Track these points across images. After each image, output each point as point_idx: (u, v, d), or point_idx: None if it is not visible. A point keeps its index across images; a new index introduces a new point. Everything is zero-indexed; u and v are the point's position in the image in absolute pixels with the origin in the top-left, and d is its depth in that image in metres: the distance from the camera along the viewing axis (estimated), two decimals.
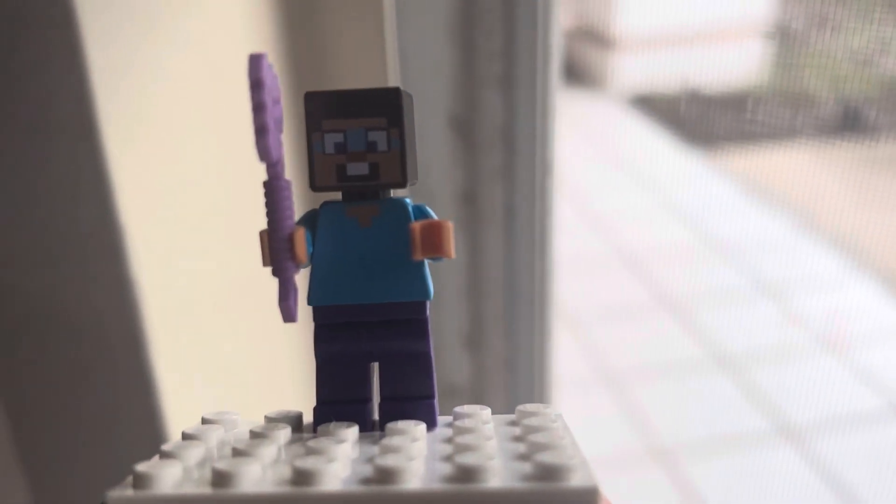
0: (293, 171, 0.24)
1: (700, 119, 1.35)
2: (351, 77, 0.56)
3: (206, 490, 0.20)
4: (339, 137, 0.24)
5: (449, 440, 0.24)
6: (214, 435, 0.23)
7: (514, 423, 0.25)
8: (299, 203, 0.24)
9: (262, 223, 0.23)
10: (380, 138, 0.24)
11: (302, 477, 0.20)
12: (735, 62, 1.09)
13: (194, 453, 0.22)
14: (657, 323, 1.30)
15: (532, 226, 0.65)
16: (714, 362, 1.18)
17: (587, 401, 1.12)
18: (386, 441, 0.22)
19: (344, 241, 0.25)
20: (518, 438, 0.24)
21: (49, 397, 0.48)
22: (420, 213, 0.25)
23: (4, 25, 0.39)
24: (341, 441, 0.22)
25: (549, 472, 0.20)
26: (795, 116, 0.99)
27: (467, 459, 0.20)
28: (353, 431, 0.24)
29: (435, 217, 0.25)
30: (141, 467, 0.20)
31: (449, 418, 0.26)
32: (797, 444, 1.02)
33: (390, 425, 0.24)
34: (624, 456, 1.03)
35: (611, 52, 1.49)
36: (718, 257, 1.41)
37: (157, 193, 0.46)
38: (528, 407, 0.25)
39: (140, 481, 0.20)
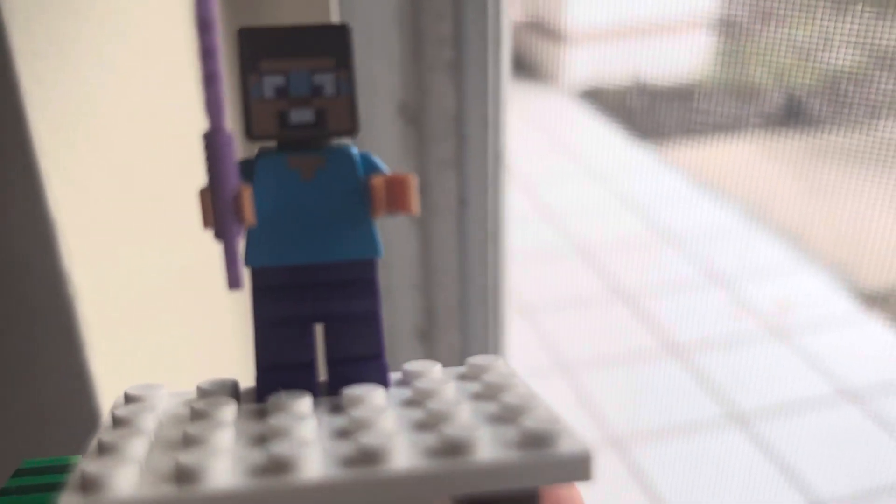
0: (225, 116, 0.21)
1: (649, 111, 1.37)
2: None
3: (172, 489, 0.18)
4: (279, 80, 0.22)
5: (415, 404, 0.22)
6: (150, 417, 0.21)
7: (468, 378, 0.24)
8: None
9: (194, 202, 0.21)
10: (327, 81, 0.22)
11: (278, 465, 0.18)
12: (682, 55, 1.11)
13: (137, 443, 0.20)
14: (609, 312, 1.31)
15: (485, 216, 0.64)
16: (666, 351, 1.20)
17: (540, 391, 1.13)
18: (354, 413, 0.21)
19: (284, 195, 0.22)
20: (481, 396, 0.23)
21: None
22: (368, 163, 0.23)
23: None
24: (303, 417, 0.21)
25: (538, 439, 0.19)
26: (741, 108, 1.01)
27: (452, 430, 0.19)
28: (307, 402, 0.22)
29: (383, 166, 0.23)
30: (89, 467, 0.18)
31: (397, 375, 0.24)
32: (747, 429, 1.03)
33: (347, 392, 0.22)
34: None
35: (561, 46, 1.51)
36: (669, 247, 1.42)
37: (87, 181, 0.44)
38: (479, 360, 0.24)
39: (91, 484, 0.18)
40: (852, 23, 0.76)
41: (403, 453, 0.19)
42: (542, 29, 1.49)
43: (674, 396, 1.12)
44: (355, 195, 0.22)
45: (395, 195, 0.22)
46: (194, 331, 0.54)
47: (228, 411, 0.21)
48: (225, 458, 0.19)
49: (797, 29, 0.84)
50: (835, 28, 0.79)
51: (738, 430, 1.04)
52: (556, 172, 1.61)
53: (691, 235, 1.43)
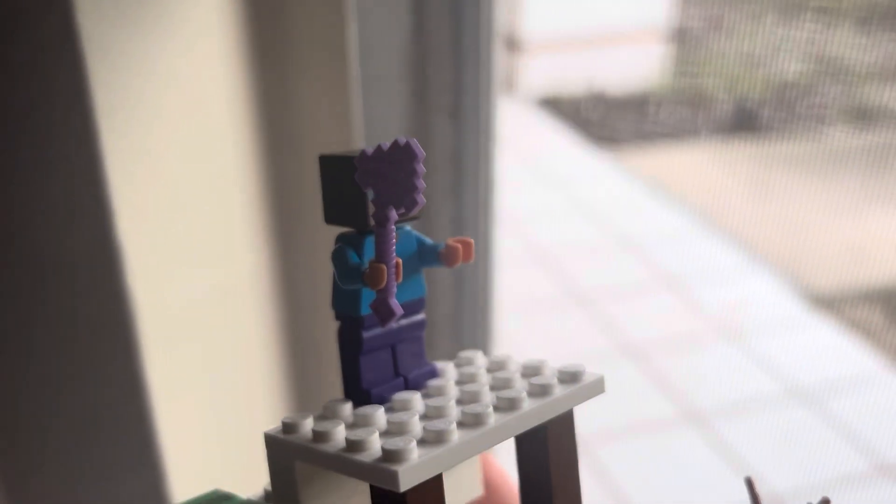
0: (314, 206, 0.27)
1: (604, 119, 1.40)
2: (315, 109, 0.60)
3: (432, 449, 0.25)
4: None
5: (475, 380, 0.29)
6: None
7: (463, 364, 0.31)
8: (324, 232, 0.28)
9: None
10: None
11: (474, 419, 0.26)
12: (636, 65, 1.13)
13: (345, 414, 0.27)
14: (566, 315, 1.33)
15: (476, 236, 0.71)
16: (621, 352, 1.22)
17: None
18: (464, 388, 0.28)
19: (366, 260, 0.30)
20: (498, 367, 0.30)
21: (39, 401, 0.49)
22: (419, 237, 0.31)
23: (20, 67, 0.42)
24: (448, 398, 0.28)
25: (573, 377, 0.28)
26: (693, 116, 1.03)
27: (540, 381, 0.27)
28: (418, 396, 0.29)
29: (424, 237, 0.31)
30: (287, 419, 0.26)
31: (437, 366, 0.32)
32: (701, 427, 1.05)
33: (432, 383, 0.30)
34: None
35: (518, 55, 1.53)
36: (624, 251, 1.45)
37: (148, 211, 0.48)
38: (466, 353, 0.32)
39: (288, 428, 0.26)
40: (799, 33, 0.78)
41: (525, 402, 0.27)
42: (500, 39, 1.51)
43: (630, 396, 1.14)
44: (413, 257, 0.31)
45: (465, 252, 0.30)
46: (238, 343, 0.58)
47: (379, 414, 0.28)
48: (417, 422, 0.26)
49: (747, 40, 0.87)
50: (782, 39, 0.82)
51: (693, 428, 1.06)
52: (513, 178, 1.62)
53: (645, 240, 1.46)
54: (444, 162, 0.70)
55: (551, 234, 1.54)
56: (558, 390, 0.28)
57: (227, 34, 0.54)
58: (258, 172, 0.60)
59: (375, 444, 0.25)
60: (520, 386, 0.28)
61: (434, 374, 0.32)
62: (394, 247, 0.27)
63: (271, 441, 0.27)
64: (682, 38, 1.06)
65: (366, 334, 0.31)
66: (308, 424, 0.27)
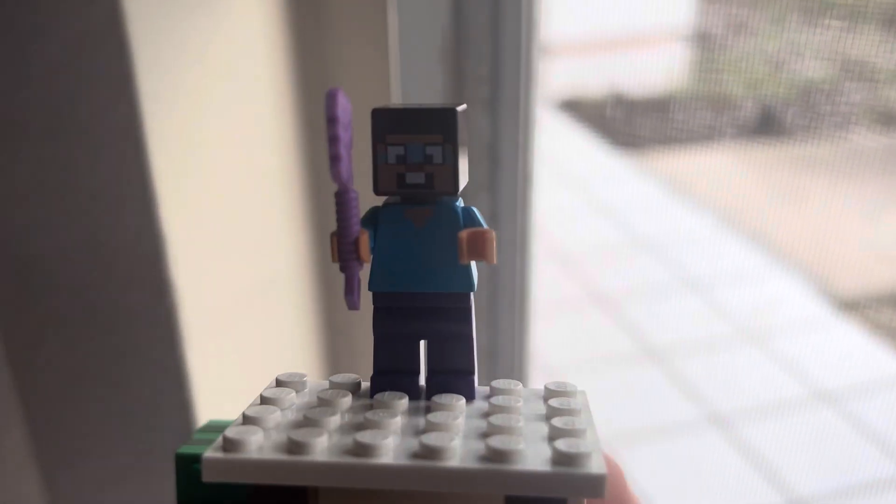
0: (361, 175, 0.27)
1: (625, 122, 1.39)
2: (357, 99, 0.60)
3: (283, 456, 0.23)
4: (400, 150, 0.27)
5: (485, 416, 0.27)
6: (287, 398, 0.27)
7: (542, 399, 0.29)
8: (365, 201, 0.27)
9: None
10: (436, 152, 0.27)
11: (361, 449, 0.23)
12: (658, 67, 1.12)
13: (272, 418, 0.25)
14: (588, 318, 1.33)
15: (514, 230, 0.70)
16: (644, 355, 1.21)
17: None
18: (431, 417, 0.25)
19: (401, 237, 0.28)
20: (544, 417, 0.27)
21: (71, 393, 0.50)
22: (468, 215, 0.28)
23: (66, 53, 0.42)
24: (394, 415, 0.25)
25: (567, 459, 0.23)
26: (715, 119, 1.03)
27: (498, 444, 0.24)
28: (404, 402, 0.27)
29: (481, 220, 0.28)
30: (230, 433, 0.24)
31: (486, 389, 0.29)
32: (725, 430, 1.05)
33: (436, 398, 0.27)
34: None
35: (541, 58, 1.52)
36: (645, 253, 1.44)
37: (193, 203, 0.49)
38: (554, 385, 0.29)
39: (230, 445, 0.23)
40: (822, 35, 0.78)
41: (457, 455, 0.24)
42: (540, 29, 1.51)
43: (653, 399, 1.13)
44: (455, 241, 0.27)
45: (478, 247, 0.27)
46: (279, 335, 0.59)
47: (345, 402, 0.27)
48: (324, 437, 0.24)
49: (769, 41, 0.86)
50: (805, 40, 0.81)
51: (717, 431, 1.06)
52: (536, 181, 1.61)
53: (667, 242, 1.45)
54: (481, 155, 0.69)
55: (573, 236, 1.54)
56: (523, 462, 0.24)
57: (269, 23, 0.55)
58: (299, 162, 0.60)
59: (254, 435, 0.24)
60: (489, 440, 0.24)
61: (469, 389, 0.29)
62: (350, 219, 0.25)
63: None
64: (704, 40, 1.05)
65: (376, 316, 0.28)
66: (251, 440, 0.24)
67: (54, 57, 0.42)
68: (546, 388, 0.29)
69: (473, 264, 0.28)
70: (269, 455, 0.23)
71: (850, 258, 0.91)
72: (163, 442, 0.51)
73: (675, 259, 1.39)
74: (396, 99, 0.60)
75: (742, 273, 1.29)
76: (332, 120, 0.24)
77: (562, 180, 1.66)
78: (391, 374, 0.28)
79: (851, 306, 1.13)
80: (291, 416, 0.26)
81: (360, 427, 0.25)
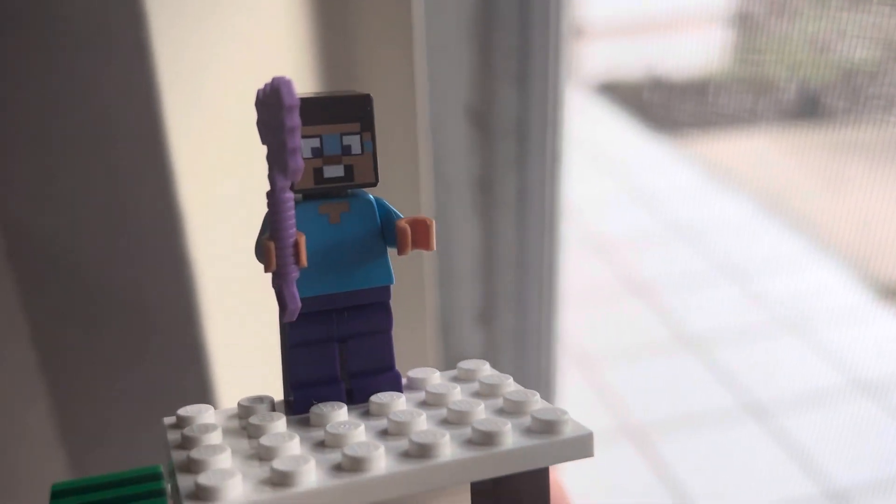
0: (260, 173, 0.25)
1: (664, 106, 1.37)
2: (379, 73, 0.59)
3: (274, 493, 0.22)
4: (315, 142, 0.26)
5: (433, 405, 0.26)
6: (214, 436, 0.25)
7: (462, 380, 0.28)
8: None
9: None
10: (353, 142, 0.26)
11: (356, 464, 0.22)
12: (697, 50, 1.11)
13: (223, 458, 0.23)
14: (623, 305, 1.32)
15: (542, 211, 0.69)
16: (682, 343, 1.20)
17: (561, 380, 1.14)
18: (393, 417, 0.24)
19: (317, 236, 0.26)
20: (482, 395, 0.27)
21: (95, 374, 0.50)
22: (382, 206, 0.27)
23: (81, 27, 0.42)
24: (356, 425, 0.24)
25: (550, 427, 0.23)
26: (756, 102, 1.01)
27: (485, 426, 0.23)
28: (344, 412, 0.26)
29: (394, 210, 0.27)
30: (202, 480, 0.21)
31: (404, 381, 0.28)
32: (762, 420, 1.04)
33: (374, 399, 0.26)
34: (599, 433, 1.04)
35: (577, 41, 1.51)
36: (683, 241, 1.43)
37: (212, 181, 0.48)
38: (468, 364, 0.29)
39: (208, 494, 0.21)
40: (866, 17, 0.76)
41: (448, 447, 0.23)
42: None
43: (690, 388, 1.12)
44: (374, 233, 0.27)
45: (419, 236, 0.26)
46: None
47: (281, 423, 0.25)
48: (312, 463, 0.22)
49: (811, 23, 0.85)
50: (849, 22, 0.80)
51: (754, 421, 1.04)
52: (571, 167, 1.60)
53: (706, 228, 1.44)
54: (508, 131, 0.67)
55: (609, 223, 1.53)
56: (511, 441, 0.23)
57: None
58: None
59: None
60: (473, 423, 0.23)
61: (396, 384, 0.27)
62: (288, 220, 0.23)
63: None
64: (744, 21, 1.03)
65: (292, 323, 0.26)
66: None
67: (69, 33, 0.42)
68: (460, 368, 0.29)
69: (388, 257, 0.27)
70: (259, 495, 0.21)
71: (892, 245, 0.89)
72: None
73: (713, 246, 1.38)
74: (420, 74, 0.59)
75: (782, 260, 1.27)
76: (291, 108, 0.22)
77: (598, 165, 1.64)
78: (312, 385, 0.27)
79: (894, 294, 1.11)
80: (240, 450, 0.24)
81: (327, 444, 0.24)
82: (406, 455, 0.23)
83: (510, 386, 0.27)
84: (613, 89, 1.56)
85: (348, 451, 0.22)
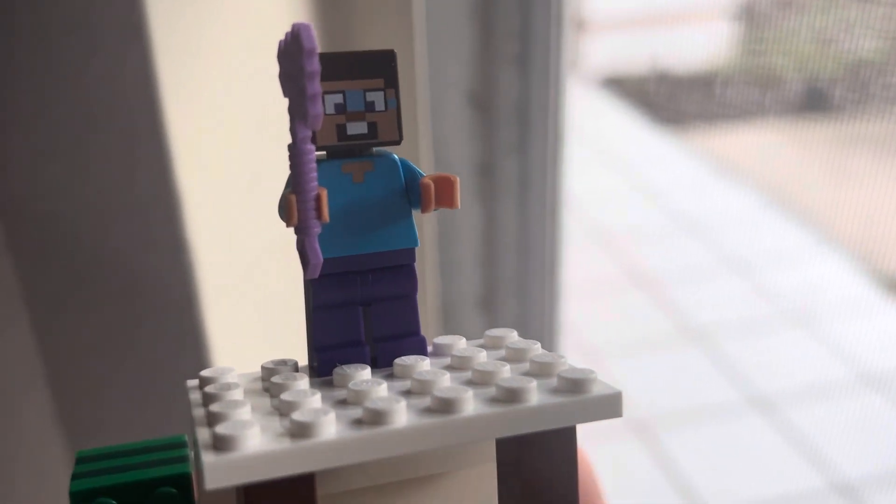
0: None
1: (669, 99, 1.37)
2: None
3: (293, 443, 0.21)
4: (338, 98, 0.25)
5: (458, 368, 0.26)
6: (236, 393, 0.24)
7: (490, 348, 0.28)
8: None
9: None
10: (377, 98, 0.26)
11: (377, 417, 0.22)
12: (702, 43, 1.11)
13: (244, 412, 0.23)
14: (629, 298, 1.32)
15: (544, 196, 0.68)
16: (687, 337, 1.20)
17: None
18: (417, 376, 0.24)
19: (340, 195, 0.26)
20: (511, 360, 0.26)
21: (100, 357, 0.50)
22: (406, 167, 0.27)
23: (76, 11, 0.42)
24: (379, 383, 0.24)
25: (577, 385, 0.23)
26: (762, 96, 1.01)
27: (510, 383, 0.23)
28: (368, 372, 0.25)
29: (418, 170, 0.27)
30: (222, 430, 0.21)
31: (430, 348, 0.28)
32: (768, 413, 1.04)
33: (398, 361, 0.26)
34: (603, 427, 1.05)
35: (581, 35, 1.51)
36: (689, 234, 1.43)
37: (210, 164, 0.48)
38: (496, 332, 0.28)
39: (227, 443, 0.21)
40: (873, 9, 0.76)
41: (471, 403, 0.22)
42: None
43: (695, 381, 1.12)
44: (398, 194, 0.26)
45: (443, 193, 0.26)
46: (297, 292, 0.59)
47: (304, 382, 0.24)
48: (332, 415, 0.22)
49: (818, 16, 0.84)
50: (856, 15, 0.80)
51: (760, 414, 1.04)
52: (575, 160, 1.60)
53: (712, 221, 1.44)
54: (509, 115, 0.67)
55: (615, 216, 1.53)
56: (536, 398, 0.23)
57: None
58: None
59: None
60: (498, 381, 0.23)
61: (422, 348, 0.27)
62: (310, 174, 0.23)
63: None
64: (750, 15, 1.03)
65: (316, 285, 0.26)
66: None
67: (64, 19, 0.42)
68: (487, 336, 0.28)
69: (413, 218, 0.27)
70: (279, 444, 0.21)
71: None
72: (183, 406, 0.51)
73: (718, 239, 1.38)
74: (421, 57, 0.59)
75: (787, 253, 1.27)
76: (311, 52, 0.22)
77: (603, 159, 1.64)
78: (336, 348, 0.26)
79: None
80: (260, 405, 0.24)
81: (349, 401, 0.23)
82: (428, 410, 0.22)
83: (538, 350, 0.26)
84: (619, 83, 1.56)
85: (369, 404, 0.22)
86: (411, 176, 0.26)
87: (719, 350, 1.17)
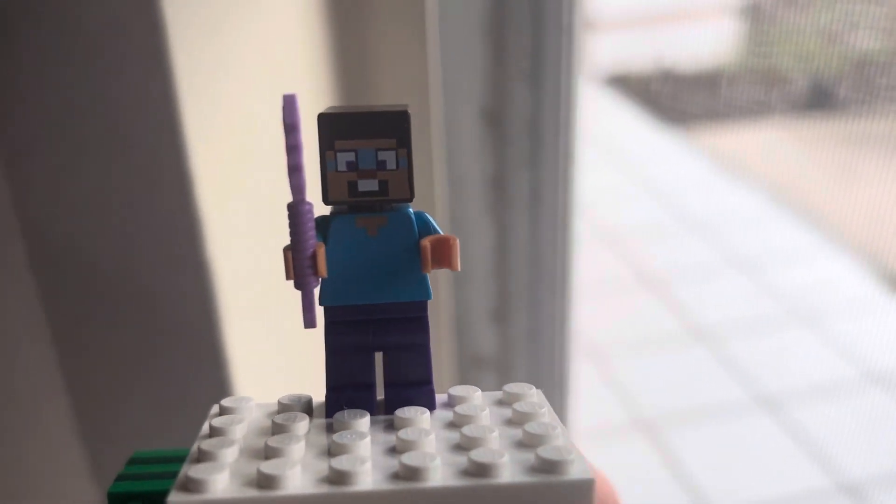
0: (308, 182, 0.25)
1: (673, 98, 1.37)
2: (393, 73, 0.59)
3: (256, 493, 0.22)
4: (350, 156, 0.26)
5: (455, 427, 0.26)
6: (240, 428, 0.26)
7: (503, 404, 0.28)
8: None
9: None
10: (389, 157, 0.26)
11: (340, 477, 0.22)
12: (707, 41, 1.11)
13: (229, 452, 0.24)
14: (635, 298, 1.31)
15: (556, 209, 0.69)
16: (693, 336, 1.20)
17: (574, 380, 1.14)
18: (403, 434, 0.24)
19: (354, 248, 0.27)
20: (512, 423, 0.26)
21: (115, 374, 0.50)
22: (422, 221, 0.27)
23: (98, 30, 0.42)
24: (363, 436, 0.24)
25: (551, 466, 0.23)
26: (766, 94, 1.01)
27: (481, 457, 0.23)
28: (366, 421, 0.26)
29: (435, 224, 0.27)
30: (192, 472, 0.22)
31: (444, 397, 0.28)
32: (774, 412, 1.04)
33: (398, 412, 0.26)
34: (609, 426, 1.05)
35: (587, 34, 1.51)
36: (695, 233, 1.42)
37: (230, 185, 0.49)
38: (513, 388, 0.28)
39: (194, 486, 0.22)
40: (878, 7, 0.76)
41: (439, 472, 0.23)
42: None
43: (701, 380, 1.12)
44: (411, 249, 0.27)
45: (441, 254, 0.26)
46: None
47: (302, 426, 0.25)
48: (297, 468, 0.23)
49: (822, 13, 0.84)
50: (860, 13, 0.79)
51: (766, 412, 1.04)
52: (581, 159, 1.59)
53: (717, 220, 1.43)
54: (521, 131, 0.68)
55: (620, 216, 1.53)
56: (506, 475, 0.23)
57: None
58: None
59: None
60: (471, 454, 0.23)
61: (430, 399, 0.28)
62: (305, 233, 0.24)
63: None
64: (754, 13, 1.03)
65: (329, 330, 0.27)
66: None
67: (87, 36, 0.42)
68: (505, 391, 0.28)
69: (427, 274, 0.27)
70: (241, 493, 0.22)
71: None
72: (202, 422, 0.51)
73: (724, 238, 1.38)
74: (434, 74, 0.59)
75: (793, 252, 1.27)
76: (293, 127, 0.23)
77: (608, 158, 1.64)
78: (346, 389, 0.27)
79: None
80: (251, 446, 0.25)
81: (329, 452, 0.24)
82: (395, 476, 0.23)
83: (539, 418, 0.26)
84: (624, 82, 1.56)
85: (335, 463, 0.23)
86: (426, 231, 0.27)
87: (725, 349, 1.17)
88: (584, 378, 1.06)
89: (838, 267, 1.19)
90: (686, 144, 1.48)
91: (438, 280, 0.65)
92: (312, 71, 0.55)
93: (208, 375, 0.50)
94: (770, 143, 1.13)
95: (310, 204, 0.24)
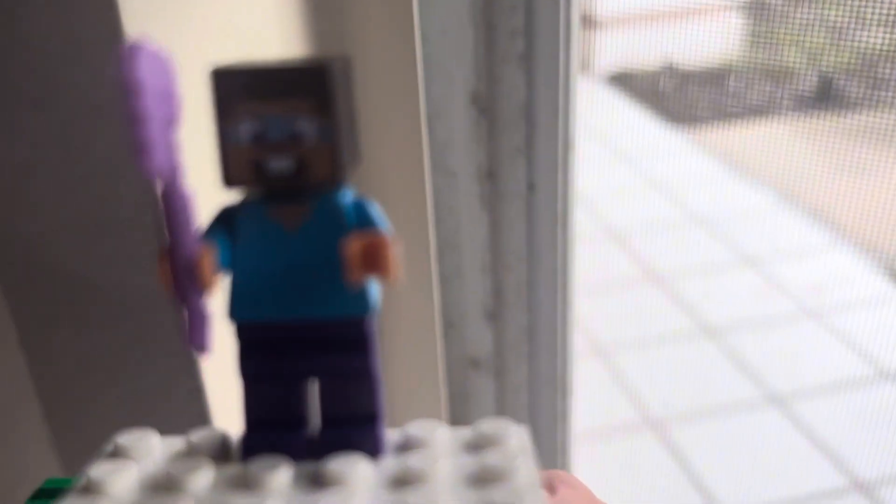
0: (209, 163, 0.21)
1: (679, 95, 1.36)
2: (375, 56, 0.56)
3: None
4: (256, 125, 0.21)
5: (398, 485, 0.20)
6: (127, 475, 0.21)
7: (473, 450, 0.22)
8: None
9: None
10: (307, 127, 0.20)
11: None
12: (713, 38, 1.10)
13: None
14: (642, 295, 1.31)
15: (553, 201, 0.67)
16: (700, 333, 1.20)
17: (578, 372, 1.14)
18: (324, 500, 0.20)
19: (267, 248, 0.21)
20: (478, 482, 0.21)
21: (85, 378, 0.49)
22: (360, 213, 0.21)
23: (52, 18, 0.41)
24: (273, 497, 0.20)
25: None
26: (774, 90, 1.00)
27: None
28: (283, 475, 0.21)
29: (375, 216, 0.21)
30: None
31: (398, 436, 0.23)
32: (783, 409, 1.03)
33: (330, 464, 0.21)
34: (617, 425, 1.04)
35: (590, 30, 1.50)
36: (701, 230, 1.42)
37: (199, 173, 0.48)
38: (489, 427, 0.22)
39: None
40: (887, 1, 0.76)
41: None
42: None
43: (710, 378, 1.12)
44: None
45: (372, 260, 0.20)
46: None
47: (203, 479, 0.21)
48: None
49: (830, 9, 0.84)
50: (869, 7, 0.79)
51: (775, 410, 1.04)
52: (586, 157, 1.59)
53: (723, 218, 1.43)
54: (516, 117, 0.65)
55: (626, 213, 1.52)
56: None
57: None
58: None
59: None
60: None
61: (374, 444, 0.21)
62: (187, 229, 0.18)
63: None
64: (761, 8, 1.03)
65: (242, 353, 0.22)
66: None
67: (43, 22, 0.41)
68: (476, 431, 0.22)
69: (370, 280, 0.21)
70: None
71: None
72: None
73: (731, 235, 1.37)
74: (419, 57, 0.56)
75: (801, 249, 1.26)
76: (135, 88, 0.17)
77: (614, 156, 1.64)
78: (268, 427, 0.22)
79: None
80: (135, 499, 0.20)
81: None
82: None
83: (517, 473, 0.21)
84: (628, 80, 1.55)
85: None
86: (365, 226, 0.21)
87: (733, 346, 1.16)
88: (590, 376, 1.06)
89: (846, 262, 1.18)
90: (692, 142, 1.48)
91: (430, 278, 0.63)
92: (287, 54, 0.54)
93: (183, 378, 0.49)
94: (777, 139, 1.12)
95: (187, 194, 0.19)
